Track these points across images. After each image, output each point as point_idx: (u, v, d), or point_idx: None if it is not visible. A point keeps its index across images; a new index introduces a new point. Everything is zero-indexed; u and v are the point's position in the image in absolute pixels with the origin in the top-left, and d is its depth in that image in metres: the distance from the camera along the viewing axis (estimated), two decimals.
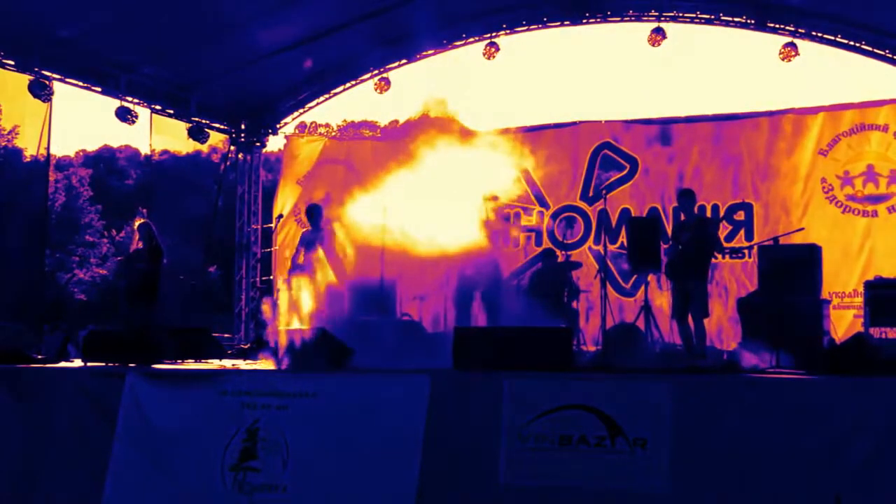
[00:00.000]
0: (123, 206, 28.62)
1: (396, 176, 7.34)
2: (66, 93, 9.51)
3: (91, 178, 29.81)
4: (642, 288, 7.66)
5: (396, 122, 10.86)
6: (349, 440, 4.51)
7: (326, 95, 11.45)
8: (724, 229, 9.14)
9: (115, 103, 9.84)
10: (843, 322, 8.39)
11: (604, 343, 6.24)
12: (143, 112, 10.20)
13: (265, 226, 11.92)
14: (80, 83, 9.59)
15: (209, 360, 7.13)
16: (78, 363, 6.37)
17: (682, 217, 7.19)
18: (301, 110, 11.74)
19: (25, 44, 8.71)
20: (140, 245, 7.22)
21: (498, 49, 10.00)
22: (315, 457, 4.56)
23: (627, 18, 9.85)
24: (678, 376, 4.51)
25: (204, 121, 11.05)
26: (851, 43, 9.19)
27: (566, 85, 45.58)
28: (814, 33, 9.19)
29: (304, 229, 8.49)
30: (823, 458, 3.83)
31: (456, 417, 4.42)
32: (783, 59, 9.25)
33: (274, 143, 12.94)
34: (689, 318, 6.81)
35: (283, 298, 7.68)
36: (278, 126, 11.87)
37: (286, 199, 11.47)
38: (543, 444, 4.18)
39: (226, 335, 10.82)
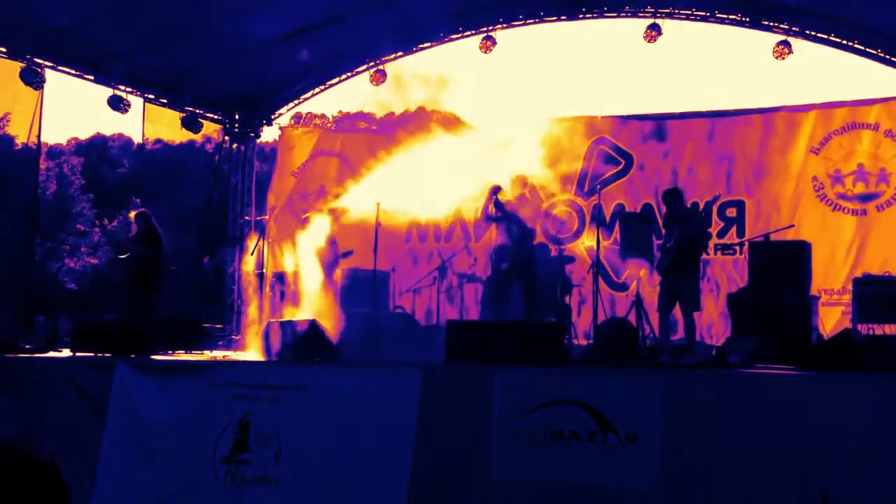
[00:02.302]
0: (115, 195, 28.43)
1: (391, 168, 7.33)
2: (58, 80, 9.42)
3: (83, 167, 29.55)
4: (634, 283, 7.68)
5: (392, 114, 10.79)
6: (341, 433, 4.52)
7: (322, 86, 11.38)
8: (716, 226, 9.18)
9: (108, 91, 9.75)
10: (832, 318, 8.45)
11: (595, 337, 6.27)
12: (135, 101, 10.11)
13: (259, 217, 11.87)
14: (73, 71, 9.49)
15: (200, 352, 7.14)
16: (67, 353, 6.34)
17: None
18: (296, 101, 11.66)
19: (17, 31, 8.62)
20: (137, 234, 7.14)
21: (495, 43, 9.98)
22: (307, 450, 4.57)
23: (623, 14, 9.85)
24: (669, 371, 4.54)
25: (198, 110, 10.97)
26: (844, 42, 9.22)
27: (563, 80, 45.61)
28: (807, 32, 9.21)
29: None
30: (812, 453, 3.87)
31: (448, 411, 4.44)
32: (777, 58, 9.27)
33: (269, 134, 12.89)
34: (676, 313, 6.84)
35: (269, 290, 7.67)
36: (273, 117, 11.80)
37: (281, 191, 11.43)
38: (535, 440, 4.20)
39: (217, 326, 10.79)
